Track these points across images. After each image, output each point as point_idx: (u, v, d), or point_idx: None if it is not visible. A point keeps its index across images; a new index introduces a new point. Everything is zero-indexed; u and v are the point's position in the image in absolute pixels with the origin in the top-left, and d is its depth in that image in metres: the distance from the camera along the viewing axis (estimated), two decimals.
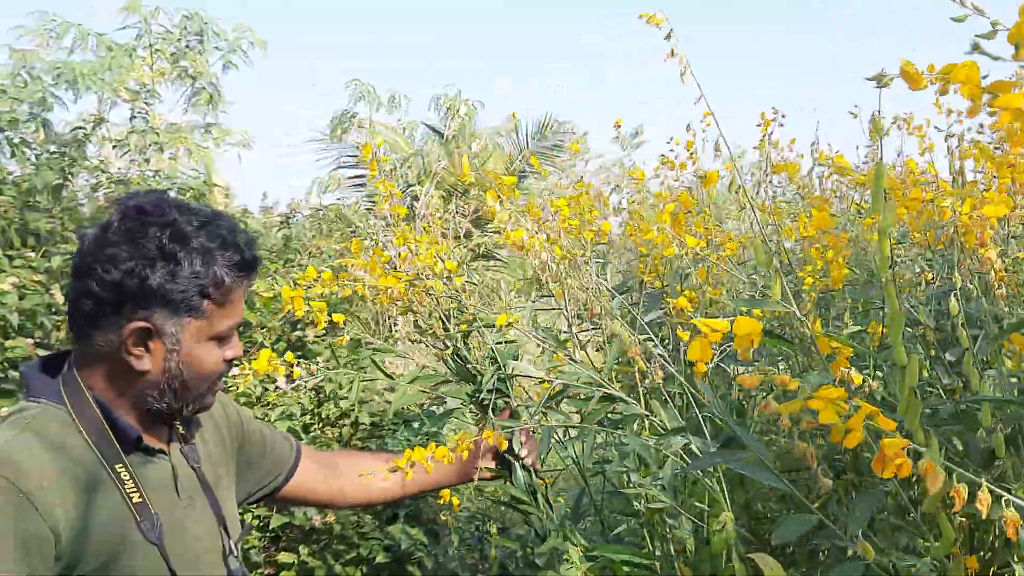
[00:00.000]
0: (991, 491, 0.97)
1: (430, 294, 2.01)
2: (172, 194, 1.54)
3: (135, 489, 1.39)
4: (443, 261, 2.00)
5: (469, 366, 2.07)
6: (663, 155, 2.87)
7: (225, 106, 15.87)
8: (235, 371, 1.90)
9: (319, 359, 3.80)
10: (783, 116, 2.63)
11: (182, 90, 14.73)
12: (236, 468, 1.70)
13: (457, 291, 2.03)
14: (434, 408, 3.86)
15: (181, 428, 1.54)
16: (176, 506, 1.46)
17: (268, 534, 3.37)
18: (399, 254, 2.03)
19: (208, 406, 1.51)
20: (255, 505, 1.85)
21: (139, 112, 5.04)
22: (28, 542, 1.28)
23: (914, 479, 1.40)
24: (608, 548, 1.99)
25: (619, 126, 3.30)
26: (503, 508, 3.06)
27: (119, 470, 1.39)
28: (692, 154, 2.60)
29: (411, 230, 2.04)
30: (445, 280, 2.02)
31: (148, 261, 1.36)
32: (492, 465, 2.00)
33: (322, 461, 1.90)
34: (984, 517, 0.96)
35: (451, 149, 14.19)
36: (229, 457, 1.67)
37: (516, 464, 1.96)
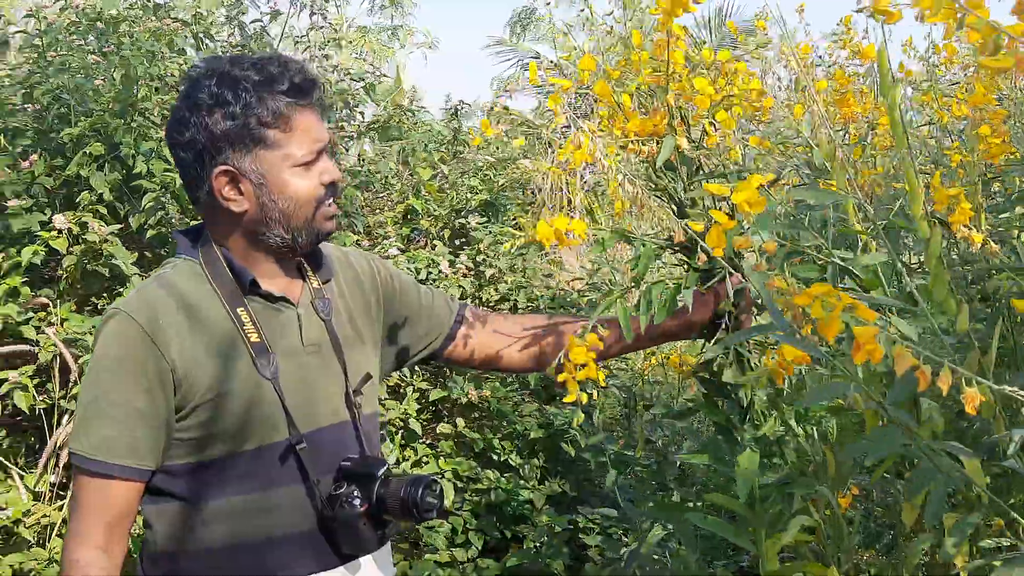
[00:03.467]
0: (952, 371, 0.98)
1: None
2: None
3: (253, 330, 1.53)
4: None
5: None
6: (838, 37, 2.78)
7: (411, 7, 16.18)
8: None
9: (480, 245, 3.92)
10: None
11: None
12: (382, 326, 1.76)
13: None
14: (592, 293, 3.95)
15: (314, 281, 1.65)
16: (299, 351, 1.57)
17: (429, 407, 3.55)
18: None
19: (324, 232, 1.60)
20: (417, 364, 1.94)
21: (318, 10, 5.20)
22: (148, 373, 1.46)
23: None
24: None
25: (802, 9, 3.15)
26: (651, 385, 3.13)
27: (239, 312, 1.53)
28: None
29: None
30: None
31: (206, 111, 1.49)
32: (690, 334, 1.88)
33: (498, 326, 1.88)
34: (944, 395, 0.99)
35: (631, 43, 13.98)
36: (371, 314, 1.74)
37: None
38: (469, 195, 4.10)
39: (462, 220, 4.07)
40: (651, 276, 1.90)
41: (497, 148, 4.85)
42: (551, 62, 15.37)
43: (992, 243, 1.47)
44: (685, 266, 1.80)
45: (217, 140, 1.50)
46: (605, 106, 1.76)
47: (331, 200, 1.59)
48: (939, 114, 2.21)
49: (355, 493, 1.54)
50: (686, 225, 1.78)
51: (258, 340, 1.53)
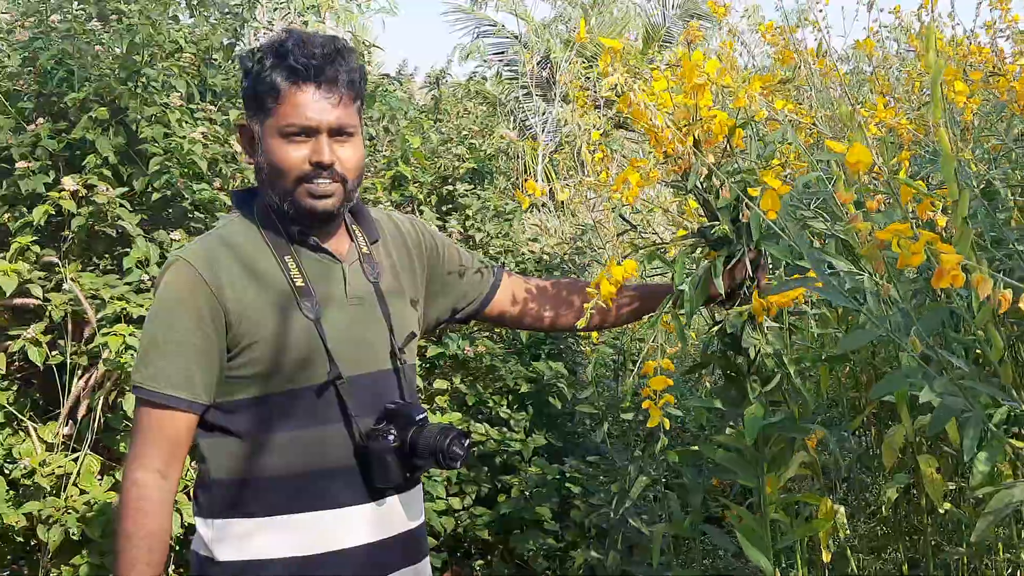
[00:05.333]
0: None
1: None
2: None
3: (299, 275, 1.69)
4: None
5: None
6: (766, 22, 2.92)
7: None
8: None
9: (468, 211, 4.06)
10: None
11: None
12: (426, 286, 1.91)
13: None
14: (576, 257, 4.13)
15: (362, 243, 1.79)
16: (342, 302, 1.73)
17: (425, 363, 3.71)
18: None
19: (308, 209, 1.68)
20: (459, 322, 2.09)
21: None
22: (204, 314, 1.64)
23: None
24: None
25: None
26: (636, 342, 3.32)
27: (286, 259, 1.70)
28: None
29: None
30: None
31: (244, 74, 1.72)
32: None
33: (534, 287, 2.02)
34: None
35: (591, 15, 14.09)
36: (415, 273, 1.88)
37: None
38: (457, 163, 4.24)
39: (449, 187, 4.21)
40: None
41: (476, 117, 5.00)
42: (510, 32, 15.47)
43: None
44: (710, 252, 1.95)
45: (246, 99, 1.73)
46: (642, 128, 1.89)
47: (319, 180, 1.67)
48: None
49: (391, 431, 1.69)
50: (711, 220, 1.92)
51: (303, 285, 1.68)
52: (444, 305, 1.96)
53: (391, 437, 1.69)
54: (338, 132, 1.68)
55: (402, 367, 1.78)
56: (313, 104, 1.65)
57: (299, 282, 1.68)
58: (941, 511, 1.84)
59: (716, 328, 1.99)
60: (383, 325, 1.76)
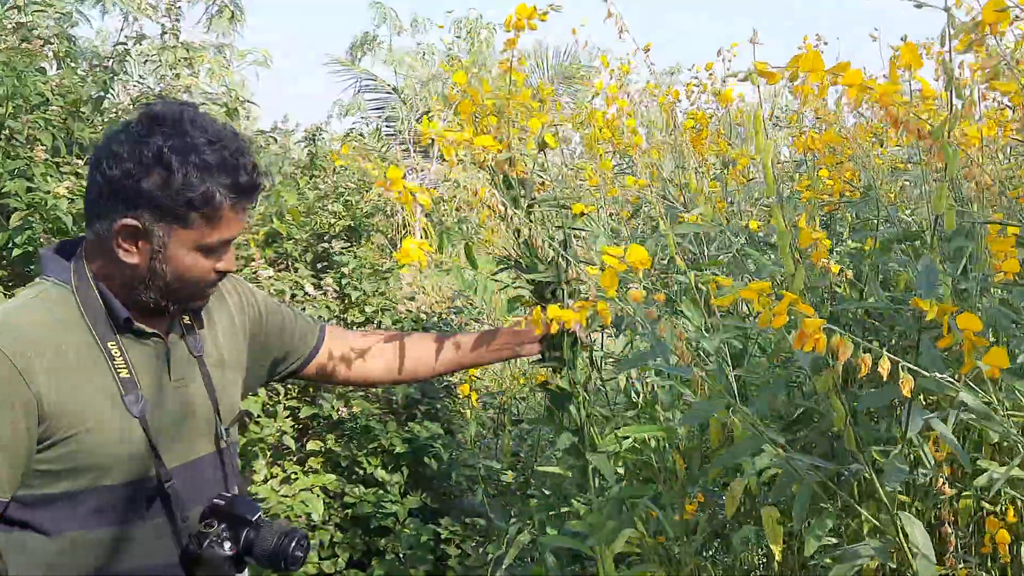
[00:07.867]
0: (890, 359, 1.20)
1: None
2: (203, 110, 1.56)
3: (124, 366, 1.53)
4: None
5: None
6: (689, 81, 3.04)
7: (242, 26, 15.97)
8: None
9: (344, 269, 4.04)
10: (825, 42, 2.83)
11: (203, 8, 14.87)
12: (248, 348, 1.81)
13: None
14: (452, 317, 4.14)
15: (186, 318, 1.66)
16: (166, 386, 1.59)
17: (298, 425, 3.64)
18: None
19: (196, 307, 1.63)
20: (284, 383, 2.02)
21: (169, 29, 5.21)
22: (14, 405, 1.44)
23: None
24: (638, 428, 2.16)
25: (648, 49, 3.24)
26: (517, 401, 3.34)
27: (111, 347, 1.53)
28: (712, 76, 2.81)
29: None
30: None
31: (145, 166, 1.47)
32: (536, 350, 2.01)
33: (356, 343, 1.97)
34: (884, 380, 1.20)
35: (471, 74, 14.26)
36: (238, 338, 1.78)
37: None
38: (332, 220, 4.21)
39: (325, 244, 4.18)
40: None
41: (354, 174, 4.97)
42: (390, 86, 15.55)
43: (847, 271, 1.76)
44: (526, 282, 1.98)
45: (141, 195, 1.48)
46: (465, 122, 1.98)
47: (215, 284, 1.62)
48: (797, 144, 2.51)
49: (224, 534, 1.57)
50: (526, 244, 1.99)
51: (127, 376, 1.54)
52: (267, 365, 1.89)
53: (227, 545, 1.57)
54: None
55: (226, 447, 1.70)
56: (238, 220, 1.56)
57: (123, 373, 1.53)
58: (778, 558, 1.91)
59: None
60: (207, 405, 1.67)
